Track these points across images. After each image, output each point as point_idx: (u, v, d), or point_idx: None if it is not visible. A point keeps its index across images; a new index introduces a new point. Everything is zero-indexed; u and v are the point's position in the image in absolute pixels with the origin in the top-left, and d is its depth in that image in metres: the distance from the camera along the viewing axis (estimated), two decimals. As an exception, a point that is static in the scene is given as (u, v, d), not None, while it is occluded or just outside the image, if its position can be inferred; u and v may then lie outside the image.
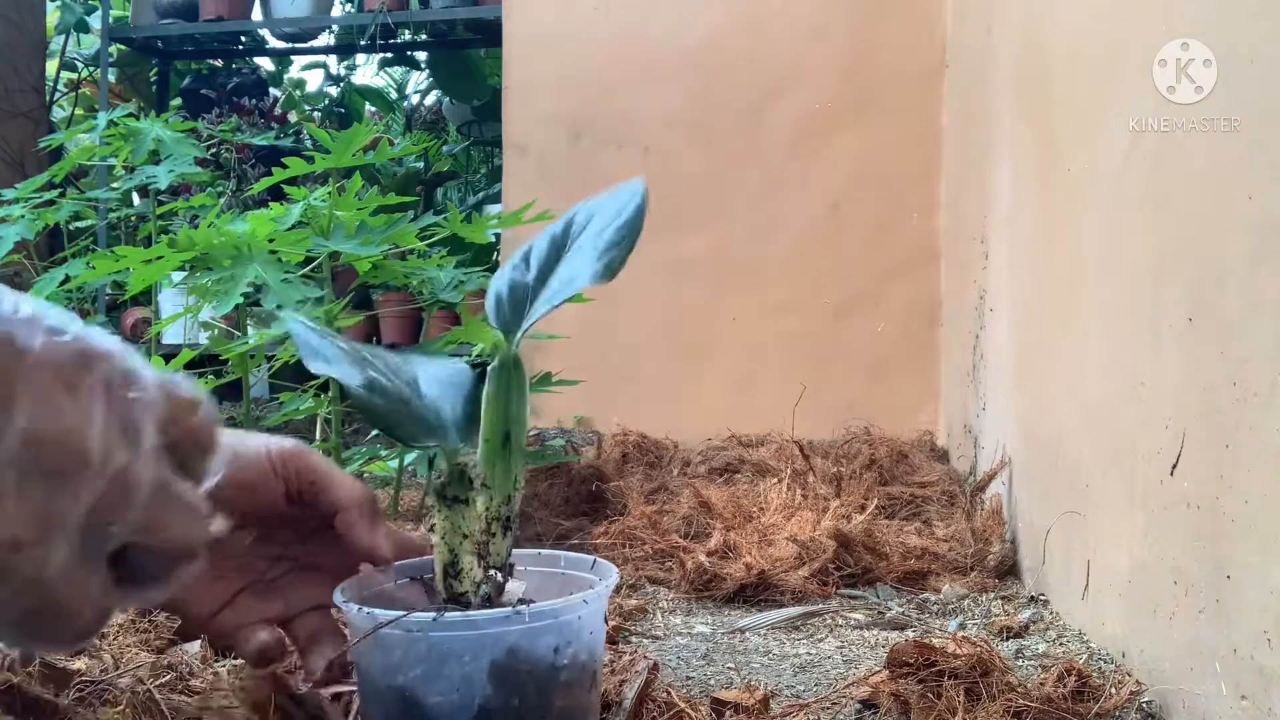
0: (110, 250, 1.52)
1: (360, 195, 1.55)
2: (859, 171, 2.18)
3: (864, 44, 2.19)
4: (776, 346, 2.19)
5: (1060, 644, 1.10)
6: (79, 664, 0.85)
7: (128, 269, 1.46)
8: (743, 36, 2.23)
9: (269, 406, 2.36)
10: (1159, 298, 0.92)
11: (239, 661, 0.90)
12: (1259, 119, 0.77)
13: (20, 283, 2.19)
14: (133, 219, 3.12)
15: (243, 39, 3.79)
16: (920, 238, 2.15)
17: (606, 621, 0.77)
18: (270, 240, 1.45)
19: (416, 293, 1.68)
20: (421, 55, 4.03)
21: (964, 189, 1.93)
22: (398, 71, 4.44)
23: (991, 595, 1.29)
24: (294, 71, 4.41)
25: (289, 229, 1.48)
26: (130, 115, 2.04)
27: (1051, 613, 1.20)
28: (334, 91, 4.36)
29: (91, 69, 3.87)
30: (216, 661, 0.95)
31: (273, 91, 4.08)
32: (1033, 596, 1.26)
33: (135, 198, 3.11)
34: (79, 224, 2.44)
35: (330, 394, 1.58)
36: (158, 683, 0.78)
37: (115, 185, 2.13)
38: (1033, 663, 1.04)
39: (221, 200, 2.67)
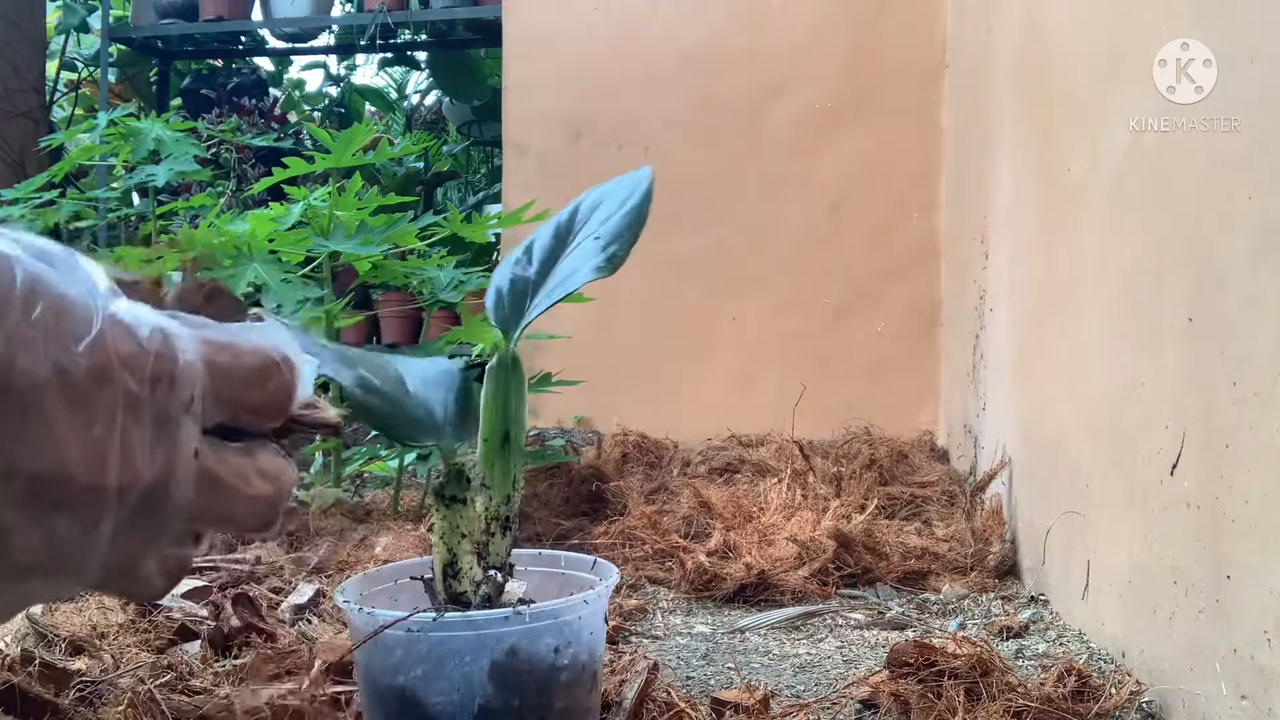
0: (110, 250, 1.52)
1: (360, 195, 1.55)
2: (859, 171, 2.18)
3: (864, 44, 2.19)
4: (776, 346, 2.19)
5: (1060, 644, 1.10)
6: (79, 664, 0.85)
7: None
8: (743, 36, 2.23)
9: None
10: (1159, 298, 0.92)
11: (239, 662, 0.90)
12: (1259, 119, 0.77)
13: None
14: (133, 219, 3.12)
15: (243, 39, 3.79)
16: (920, 238, 2.16)
17: (606, 621, 0.77)
18: (270, 240, 1.45)
19: (416, 293, 1.68)
20: (421, 55, 4.03)
21: (964, 189, 1.93)
22: (398, 71, 4.44)
23: (991, 595, 1.29)
24: (294, 72, 4.41)
25: (289, 229, 1.48)
26: (130, 115, 2.04)
27: (1051, 613, 1.20)
28: (334, 92, 4.36)
29: (91, 69, 3.87)
30: (216, 662, 0.95)
31: (273, 91, 4.08)
32: (1033, 596, 1.26)
33: (135, 197, 3.10)
34: (79, 224, 2.44)
35: (330, 395, 1.58)
36: (158, 683, 0.78)
37: (115, 185, 2.13)
38: (1033, 663, 1.04)
39: (221, 200, 2.67)
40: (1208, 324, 0.83)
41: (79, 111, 3.89)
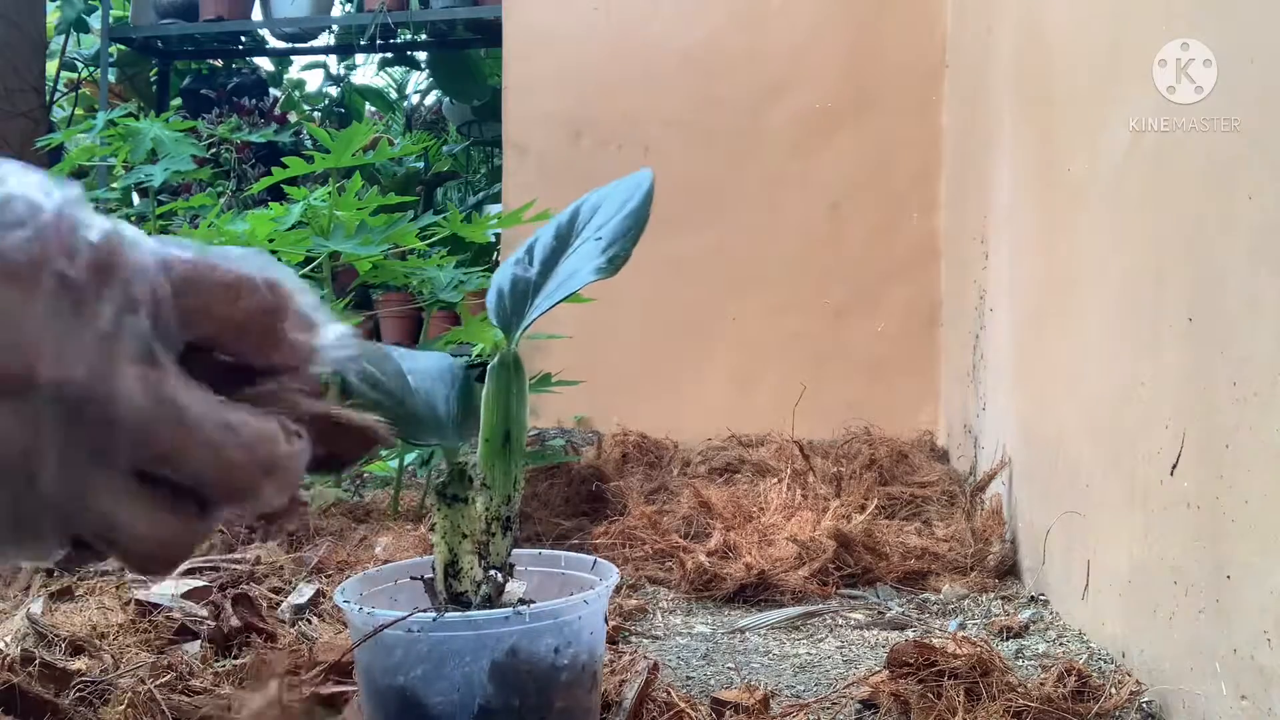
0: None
1: (360, 195, 1.55)
2: (859, 171, 2.18)
3: (864, 43, 2.19)
4: (776, 346, 2.19)
5: (1060, 644, 1.10)
6: (79, 664, 0.85)
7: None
8: (742, 36, 2.23)
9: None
10: (1159, 298, 0.92)
11: (239, 662, 0.90)
12: (1259, 119, 0.77)
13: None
14: (132, 219, 3.12)
15: (243, 39, 3.79)
16: (920, 238, 2.16)
17: (606, 622, 0.77)
18: (270, 240, 1.45)
19: (416, 292, 1.68)
20: (421, 55, 4.03)
21: (964, 189, 1.93)
22: (398, 71, 4.44)
23: (991, 595, 1.29)
24: (294, 72, 4.41)
25: (289, 229, 1.48)
26: (130, 115, 2.04)
27: (1051, 613, 1.20)
28: (334, 91, 4.36)
29: (91, 69, 3.87)
30: (216, 662, 0.95)
31: (273, 91, 4.08)
32: (1033, 596, 1.26)
33: (135, 197, 3.11)
34: (79, 224, 2.43)
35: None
36: (158, 683, 0.78)
37: (115, 185, 2.13)
38: (1033, 663, 1.04)
39: (221, 200, 2.67)
40: (1208, 324, 0.83)
41: (79, 111, 3.89)
